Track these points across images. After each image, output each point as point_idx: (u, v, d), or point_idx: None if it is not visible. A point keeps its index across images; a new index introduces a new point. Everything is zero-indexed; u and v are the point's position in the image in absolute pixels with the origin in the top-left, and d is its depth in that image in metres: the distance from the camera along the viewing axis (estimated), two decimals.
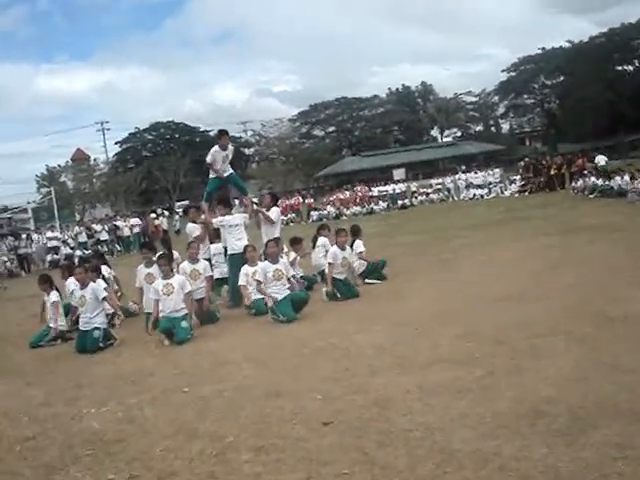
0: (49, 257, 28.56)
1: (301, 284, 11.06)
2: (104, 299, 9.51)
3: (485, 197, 36.12)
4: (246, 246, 10.73)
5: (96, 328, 9.22)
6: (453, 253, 14.37)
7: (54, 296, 10.24)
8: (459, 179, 40.91)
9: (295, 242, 12.22)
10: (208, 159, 11.90)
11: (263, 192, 32.66)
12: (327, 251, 11.38)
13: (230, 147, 12.02)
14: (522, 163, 39.07)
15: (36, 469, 4.88)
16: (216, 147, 11.83)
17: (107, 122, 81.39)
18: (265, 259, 10.12)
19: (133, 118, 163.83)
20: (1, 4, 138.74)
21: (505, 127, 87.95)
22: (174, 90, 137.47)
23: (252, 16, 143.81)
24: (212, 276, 10.88)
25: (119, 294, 11.98)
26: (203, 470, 4.43)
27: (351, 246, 11.74)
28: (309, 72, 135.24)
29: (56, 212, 37.25)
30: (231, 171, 12.03)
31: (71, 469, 4.78)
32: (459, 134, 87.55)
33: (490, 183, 38.57)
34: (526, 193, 33.02)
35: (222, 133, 12.49)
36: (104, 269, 11.70)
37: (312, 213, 38.07)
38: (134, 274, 11.07)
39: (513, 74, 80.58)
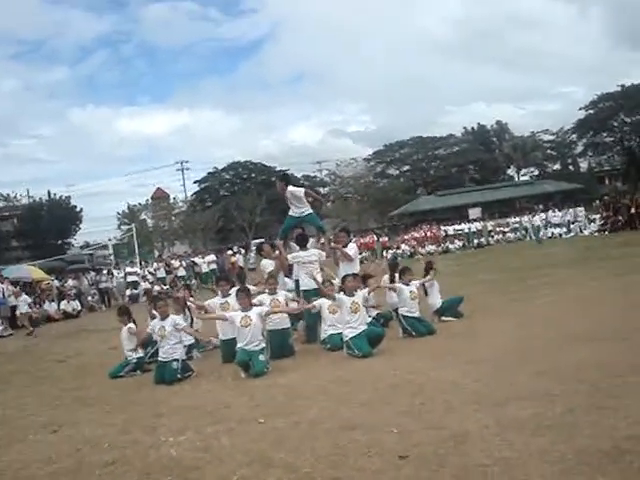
0: (128, 292, 29.29)
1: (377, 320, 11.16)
2: (183, 328, 9.70)
3: (563, 236, 35.47)
4: (323, 281, 10.81)
5: (175, 360, 9.41)
6: (531, 292, 14.16)
7: (130, 329, 10.54)
8: (537, 218, 40.24)
9: (368, 279, 12.24)
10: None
11: (336, 230, 32.81)
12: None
13: (290, 189, 11.98)
14: (598, 202, 38.26)
15: None
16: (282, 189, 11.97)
17: (187, 162, 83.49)
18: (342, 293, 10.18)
19: (209, 158, 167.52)
20: (86, 49, 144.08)
21: (583, 166, 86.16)
22: (249, 131, 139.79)
23: (325, 59, 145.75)
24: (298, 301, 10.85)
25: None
26: None
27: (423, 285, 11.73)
28: (382, 112, 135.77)
29: (137, 248, 38.13)
30: (309, 211, 12.09)
31: None
32: (536, 173, 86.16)
33: (569, 222, 37.88)
34: (606, 232, 32.32)
35: (281, 178, 12.76)
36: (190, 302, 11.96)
37: (386, 252, 38.03)
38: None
39: (591, 112, 79.11)
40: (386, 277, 12.03)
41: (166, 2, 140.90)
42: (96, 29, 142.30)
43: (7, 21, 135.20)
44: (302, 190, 12.06)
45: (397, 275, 11.40)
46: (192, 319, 11.54)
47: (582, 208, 41.41)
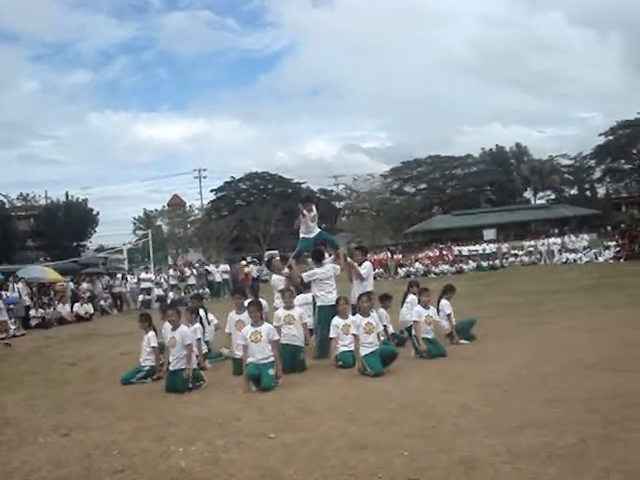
0: (141, 297, 29.40)
1: (391, 340, 11.16)
2: (188, 346, 9.66)
3: (578, 262, 35.32)
4: (338, 298, 10.82)
5: (184, 369, 9.44)
6: (544, 317, 14.12)
7: (152, 338, 10.57)
8: (553, 243, 40.07)
9: (385, 299, 12.24)
10: (297, 225, 12.13)
11: (352, 245, 32.75)
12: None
13: (314, 208, 12.11)
14: (610, 228, 38.09)
15: None
16: (304, 212, 11.97)
17: (204, 170, 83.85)
18: (356, 312, 10.20)
19: (225, 167, 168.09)
20: (107, 54, 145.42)
21: (601, 191, 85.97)
22: (265, 142, 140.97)
23: (343, 74, 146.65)
24: (305, 323, 10.89)
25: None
26: None
27: (438, 303, 11.72)
28: (399, 129, 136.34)
29: (151, 254, 38.27)
30: (318, 230, 12.13)
31: None
32: (553, 197, 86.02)
33: (584, 248, 37.73)
34: (621, 260, 32.17)
35: (306, 200, 12.72)
36: (201, 312, 11.98)
37: (400, 269, 37.98)
38: (223, 319, 11.35)
39: (610, 138, 78.99)
40: (413, 297, 12.02)
41: (185, 10, 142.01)
42: (118, 35, 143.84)
43: (30, 23, 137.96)
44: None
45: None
46: (204, 329, 11.59)
47: (587, 235, 41.37)
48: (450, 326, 11.74)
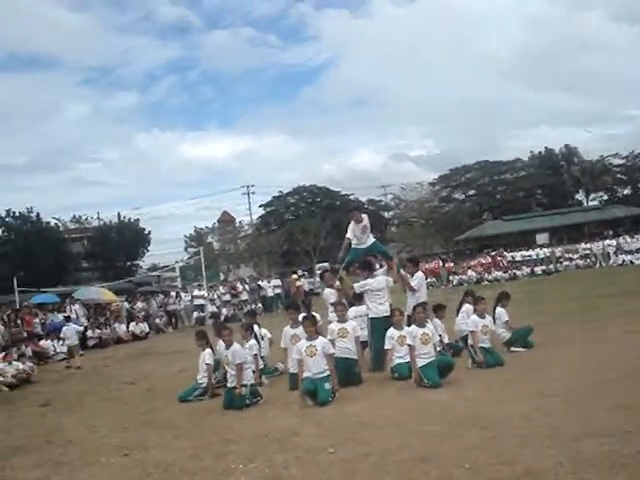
0: (195, 314, 29.70)
1: (447, 350, 11.10)
2: (238, 365, 9.68)
3: (635, 263, 34.61)
4: (393, 310, 10.77)
5: (243, 385, 9.48)
6: (602, 322, 13.84)
7: (208, 356, 10.64)
8: (608, 244, 39.36)
9: (439, 309, 12.15)
10: (348, 234, 12.07)
11: (402, 255, 32.67)
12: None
13: (364, 217, 12.06)
14: None
15: None
16: (352, 223, 11.98)
17: (252, 186, 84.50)
18: (411, 323, 10.15)
19: (272, 182, 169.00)
20: (152, 75, 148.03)
21: None
22: (312, 155, 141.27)
23: (386, 82, 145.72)
24: (358, 336, 10.71)
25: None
26: None
27: (493, 312, 11.59)
28: (445, 136, 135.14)
29: (204, 271, 38.67)
30: (373, 240, 12.10)
31: None
32: (606, 198, 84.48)
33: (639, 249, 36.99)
34: None
35: (352, 209, 12.74)
36: (255, 328, 12.02)
37: (452, 277, 37.70)
38: (277, 333, 11.40)
39: None
40: (469, 306, 11.95)
41: (227, 29, 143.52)
42: (162, 56, 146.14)
43: (78, 49, 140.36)
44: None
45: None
46: (259, 344, 11.63)
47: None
48: (507, 333, 11.60)
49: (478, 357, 10.44)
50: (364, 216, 12.05)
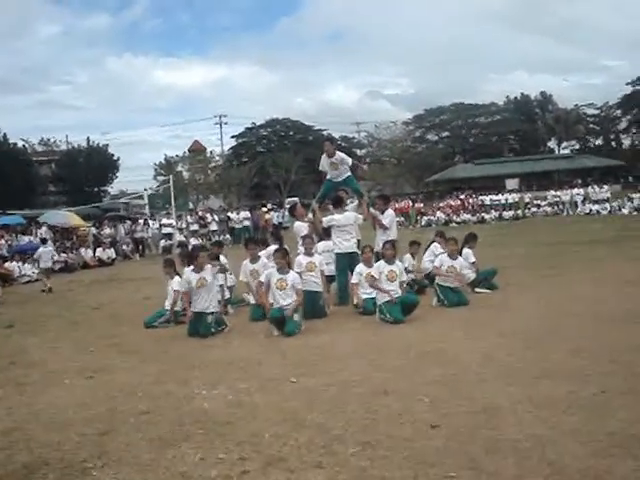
0: (162, 242, 29.58)
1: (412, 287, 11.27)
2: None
3: (601, 213, 35.02)
4: (364, 247, 10.79)
5: (210, 313, 9.52)
6: (566, 268, 14.04)
7: (176, 282, 10.60)
8: (576, 193, 39.71)
9: (413, 244, 12.33)
10: (320, 167, 12.11)
11: (373, 194, 32.63)
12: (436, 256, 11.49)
13: (338, 155, 11.86)
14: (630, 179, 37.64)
15: (150, 441, 5.08)
16: (323, 155, 11.93)
17: (225, 116, 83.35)
18: (380, 259, 10.20)
19: (245, 113, 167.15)
20: None
21: (626, 142, 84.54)
22: (285, 88, 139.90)
23: (364, 18, 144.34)
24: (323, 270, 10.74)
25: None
26: (310, 459, 4.51)
27: (460, 253, 11.67)
28: (421, 76, 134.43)
29: (172, 200, 38.35)
30: (347, 174, 12.01)
31: (183, 445, 4.94)
32: (577, 147, 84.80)
33: (607, 199, 37.36)
34: None
35: (324, 140, 12.72)
36: (222, 258, 11.99)
37: (420, 218, 37.88)
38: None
39: (638, 87, 77.22)
40: (437, 245, 12.10)
41: None
42: None
43: None
44: (350, 160, 12.00)
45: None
46: (225, 274, 11.62)
47: (607, 186, 41.03)
48: (473, 273, 11.71)
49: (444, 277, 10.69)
50: (339, 153, 11.93)
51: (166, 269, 10.99)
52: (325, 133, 79.66)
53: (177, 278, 10.65)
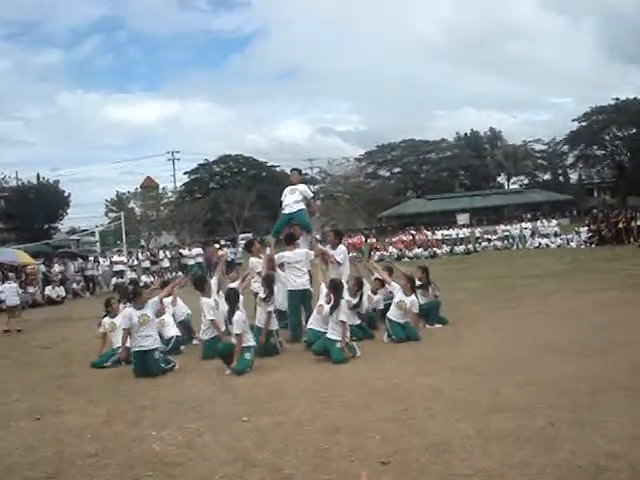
0: (114, 280, 29.21)
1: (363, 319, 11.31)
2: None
3: (550, 246, 35.62)
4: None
5: (156, 349, 9.42)
6: (516, 301, 14.23)
7: (124, 321, 10.40)
8: (524, 227, 40.35)
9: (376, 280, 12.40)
10: (282, 196, 12.25)
11: (326, 229, 32.80)
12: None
13: (301, 186, 12.15)
14: (575, 213, 38.49)
15: None
16: (288, 186, 12.11)
17: (177, 152, 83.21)
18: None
19: (197, 149, 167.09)
20: (78, 33, 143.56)
21: (574, 177, 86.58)
22: (238, 124, 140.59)
23: (315, 56, 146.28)
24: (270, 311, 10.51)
25: None
26: None
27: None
28: (372, 112, 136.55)
29: (124, 237, 37.98)
30: (300, 207, 12.11)
31: None
32: (526, 182, 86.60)
33: (556, 234, 38.02)
34: (593, 245, 32.48)
35: (292, 169, 13.03)
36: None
37: (373, 253, 38.06)
38: (194, 303, 11.38)
39: (584, 124, 79.24)
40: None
41: None
42: (89, 14, 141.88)
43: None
44: (311, 195, 12.18)
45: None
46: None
47: (555, 220, 41.85)
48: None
49: None
50: (302, 185, 12.13)
51: (108, 308, 10.91)
52: (278, 169, 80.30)
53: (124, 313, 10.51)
